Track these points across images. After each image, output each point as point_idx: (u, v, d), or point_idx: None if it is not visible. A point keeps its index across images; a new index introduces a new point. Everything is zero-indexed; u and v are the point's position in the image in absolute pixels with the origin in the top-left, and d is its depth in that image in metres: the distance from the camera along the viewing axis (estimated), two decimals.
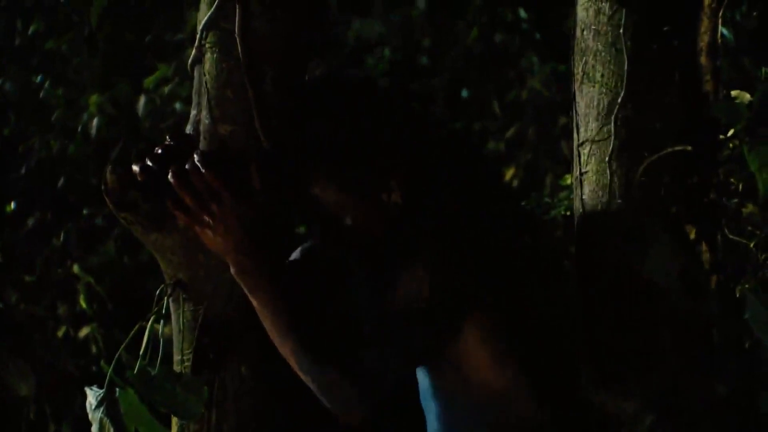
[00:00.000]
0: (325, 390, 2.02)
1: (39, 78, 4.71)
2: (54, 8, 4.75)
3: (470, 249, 2.01)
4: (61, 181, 4.06)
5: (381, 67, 5.34)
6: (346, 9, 4.61)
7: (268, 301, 2.04)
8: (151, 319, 2.11)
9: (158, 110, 4.02)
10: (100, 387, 2.08)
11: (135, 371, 2.06)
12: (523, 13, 5.08)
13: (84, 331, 3.91)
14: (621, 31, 2.13)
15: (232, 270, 2.04)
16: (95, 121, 3.97)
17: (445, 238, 2.00)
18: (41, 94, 4.41)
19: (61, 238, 4.05)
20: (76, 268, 4.01)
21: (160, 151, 2.08)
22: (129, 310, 3.72)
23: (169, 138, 2.08)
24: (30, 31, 4.70)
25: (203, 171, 2.02)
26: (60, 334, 3.95)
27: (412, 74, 5.28)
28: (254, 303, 2.05)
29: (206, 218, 2.03)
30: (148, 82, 4.01)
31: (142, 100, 3.96)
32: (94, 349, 3.82)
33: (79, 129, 4.01)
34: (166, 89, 4.05)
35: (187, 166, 2.02)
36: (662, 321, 2.13)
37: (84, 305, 3.91)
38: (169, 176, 2.02)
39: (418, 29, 5.46)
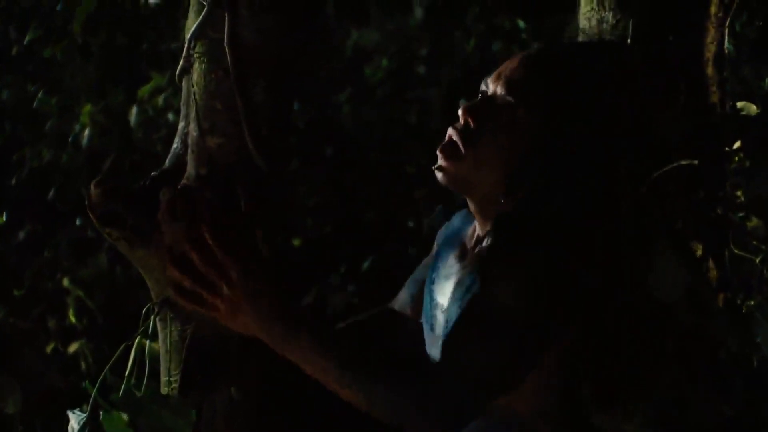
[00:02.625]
0: (413, 415, 1.69)
1: (33, 87, 4.62)
2: (50, 15, 4.67)
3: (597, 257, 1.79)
4: (52, 192, 3.97)
5: (379, 76, 5.27)
6: (344, 19, 4.47)
7: (311, 347, 1.72)
8: (137, 338, 2.00)
9: (151, 121, 3.93)
10: (87, 406, 1.97)
11: (120, 393, 1.95)
12: (521, 23, 5.00)
13: (73, 347, 3.81)
14: (628, 41, 2.03)
15: (265, 340, 1.76)
16: (87, 131, 3.88)
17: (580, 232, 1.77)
18: (35, 103, 4.32)
19: (52, 251, 3.97)
20: (66, 281, 3.92)
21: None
22: (120, 325, 3.63)
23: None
24: (26, 39, 4.61)
25: (210, 243, 1.73)
26: (49, 349, 3.85)
27: (409, 83, 5.16)
28: (295, 357, 1.74)
29: (216, 301, 1.76)
30: (142, 92, 3.92)
31: (134, 110, 3.87)
32: (83, 365, 3.73)
33: (70, 139, 3.92)
34: (160, 99, 3.96)
35: (189, 240, 1.75)
36: (667, 339, 2.04)
37: (73, 319, 3.81)
38: (168, 262, 1.77)
39: (415, 38, 5.38)
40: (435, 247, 2.15)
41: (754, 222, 2.30)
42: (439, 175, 1.93)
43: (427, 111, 5.18)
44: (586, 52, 1.96)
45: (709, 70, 2.13)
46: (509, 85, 1.90)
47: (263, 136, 1.99)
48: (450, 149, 1.91)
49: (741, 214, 2.29)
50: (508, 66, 1.93)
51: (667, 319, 2.01)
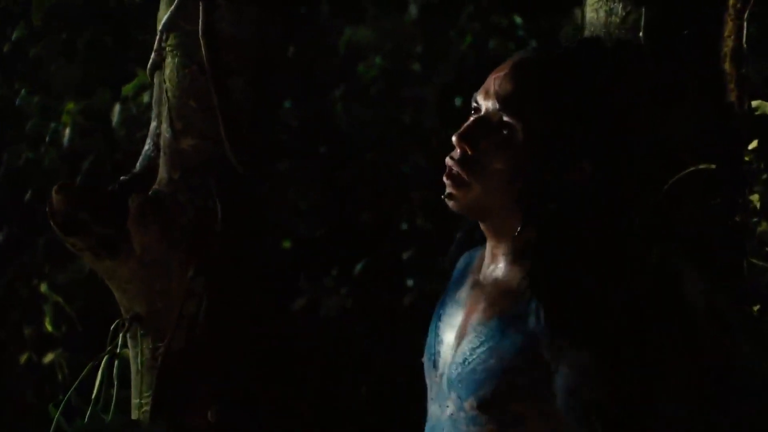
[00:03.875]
0: None
1: (20, 86, 4.48)
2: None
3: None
4: (29, 194, 3.80)
5: (373, 74, 5.14)
6: (339, 16, 4.52)
7: None
8: (105, 357, 1.82)
9: (135, 119, 3.76)
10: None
11: (86, 418, 1.78)
12: (518, 20, 4.88)
13: (49, 357, 3.64)
14: (640, 34, 1.85)
15: None
16: (67, 131, 3.72)
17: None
18: (17, 102, 4.17)
19: (29, 254, 3.80)
20: (43, 287, 3.74)
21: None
22: (101, 334, 3.46)
23: None
24: (13, 37, 4.45)
25: None
26: (23, 360, 3.68)
27: (404, 82, 5.04)
28: None
29: None
30: (126, 89, 3.75)
31: (117, 108, 3.70)
32: (59, 377, 3.55)
33: (47, 138, 3.76)
34: (145, 97, 3.80)
35: None
36: (683, 355, 1.81)
37: (50, 328, 3.64)
38: None
39: (410, 36, 5.27)
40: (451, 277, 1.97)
41: (763, 226, 2.22)
42: (450, 203, 1.76)
43: (422, 110, 4.97)
44: (585, 54, 1.77)
45: (727, 66, 1.95)
46: (503, 102, 1.72)
47: (242, 136, 1.82)
48: (455, 177, 1.74)
49: (754, 219, 2.17)
50: (497, 79, 1.73)
51: (682, 334, 1.80)
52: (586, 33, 2.01)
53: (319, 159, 4.66)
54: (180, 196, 1.85)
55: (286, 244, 4.31)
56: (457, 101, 4.67)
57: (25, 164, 3.87)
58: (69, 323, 3.61)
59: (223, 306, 1.90)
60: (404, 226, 4.43)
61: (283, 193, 4.38)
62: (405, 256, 4.11)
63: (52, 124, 3.73)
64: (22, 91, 4.14)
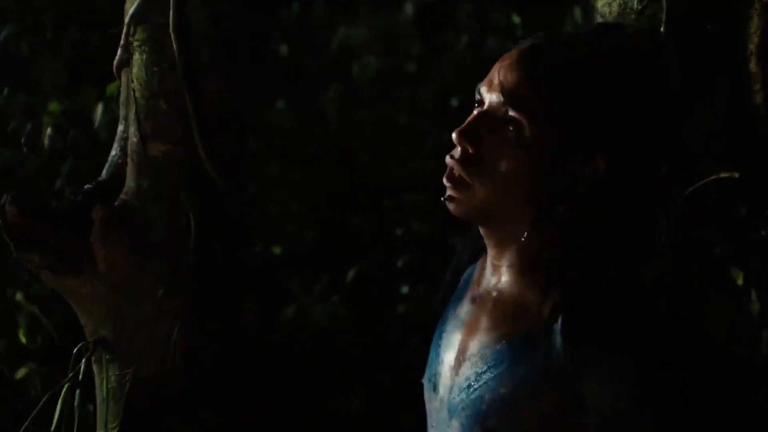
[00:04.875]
0: None
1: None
2: (23, 12, 4.35)
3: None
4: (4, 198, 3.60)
5: (367, 73, 5.02)
6: (333, 14, 4.55)
7: None
8: (66, 385, 1.62)
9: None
10: None
11: None
12: (516, 19, 4.75)
13: (21, 372, 3.44)
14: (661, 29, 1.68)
15: None
16: (48, 131, 3.52)
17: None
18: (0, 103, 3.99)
19: (3, 262, 3.60)
20: (19, 296, 3.55)
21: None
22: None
23: None
24: (2, 36, 4.28)
25: None
26: None
27: (400, 81, 4.95)
28: None
29: None
30: (111, 88, 3.55)
31: (99, 108, 3.50)
32: (32, 393, 3.35)
33: (23, 140, 3.57)
34: None
35: None
36: (706, 379, 1.70)
37: (24, 340, 3.44)
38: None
39: (406, 35, 5.16)
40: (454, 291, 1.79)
41: None
42: (450, 206, 1.61)
43: (417, 111, 4.85)
44: (601, 40, 1.59)
45: (752, 66, 1.78)
46: (508, 95, 1.55)
47: (218, 141, 1.62)
48: (457, 178, 1.58)
49: None
50: (502, 68, 1.56)
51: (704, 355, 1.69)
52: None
53: (311, 161, 4.52)
54: (149, 207, 1.69)
55: (276, 250, 4.14)
56: (454, 102, 4.59)
57: (4, 166, 3.68)
58: (45, 336, 3.42)
59: (199, 328, 1.71)
60: (399, 232, 4.26)
61: (273, 196, 4.24)
62: (399, 263, 3.93)
63: (29, 125, 3.54)
64: (5, 90, 3.98)
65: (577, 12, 4.21)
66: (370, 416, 3.75)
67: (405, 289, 3.99)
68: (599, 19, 1.85)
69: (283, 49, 4.70)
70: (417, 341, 3.72)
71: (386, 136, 4.72)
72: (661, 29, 1.71)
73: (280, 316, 3.97)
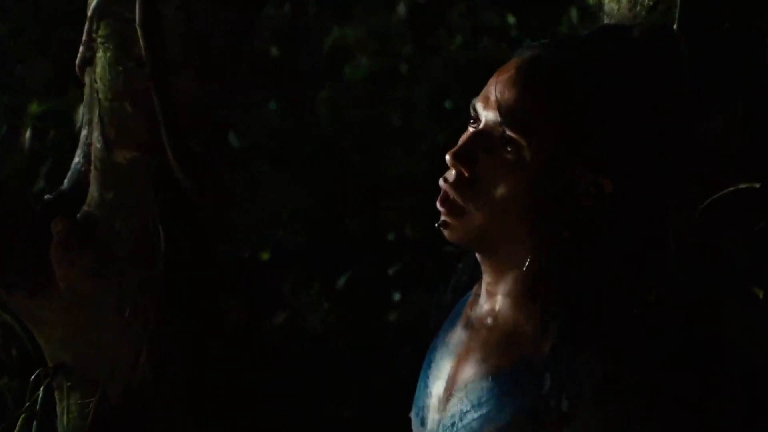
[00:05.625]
0: None
1: None
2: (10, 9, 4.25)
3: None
4: None
5: (360, 74, 4.93)
6: (326, 14, 4.44)
7: None
8: (23, 415, 1.47)
9: None
10: None
11: None
12: (511, 19, 4.68)
13: None
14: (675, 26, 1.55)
15: None
16: (28, 133, 3.40)
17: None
18: None
19: None
20: None
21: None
22: None
23: None
24: None
25: None
26: None
27: (393, 82, 4.82)
28: None
29: None
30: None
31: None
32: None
33: None
34: None
35: None
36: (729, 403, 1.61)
37: None
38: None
39: (398, 35, 5.11)
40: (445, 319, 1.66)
41: None
42: (445, 232, 1.49)
43: (411, 112, 4.73)
44: (606, 49, 1.44)
45: None
46: (506, 113, 1.41)
47: (190, 144, 1.46)
48: (451, 203, 1.45)
49: None
50: (499, 84, 1.42)
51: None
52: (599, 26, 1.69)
53: (301, 163, 4.38)
54: (114, 219, 1.53)
55: (265, 256, 4.03)
56: (448, 104, 4.49)
57: None
58: (20, 347, 3.27)
59: (170, 345, 1.55)
60: (391, 236, 4.14)
61: (262, 199, 4.14)
62: (391, 271, 3.84)
63: (4, 127, 3.40)
64: None
65: (574, 12, 4.19)
66: (360, 426, 3.65)
67: (397, 296, 3.90)
68: (606, 19, 1.71)
69: (274, 49, 4.65)
70: (410, 349, 3.65)
71: (379, 136, 4.60)
72: (674, 27, 1.58)
73: (271, 320, 3.91)
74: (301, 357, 3.80)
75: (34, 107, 3.55)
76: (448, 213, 1.45)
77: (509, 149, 1.41)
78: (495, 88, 1.41)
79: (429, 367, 1.55)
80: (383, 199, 4.42)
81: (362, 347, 3.89)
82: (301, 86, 4.62)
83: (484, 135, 1.43)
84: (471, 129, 1.45)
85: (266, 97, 4.46)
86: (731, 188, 1.62)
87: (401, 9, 4.83)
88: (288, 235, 4.25)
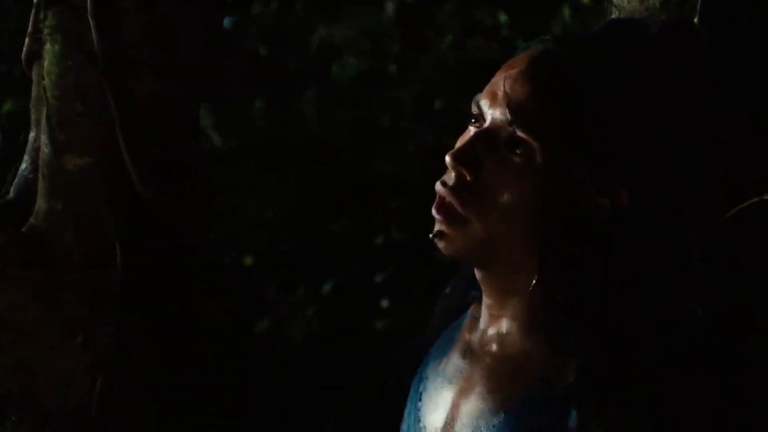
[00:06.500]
0: None
1: None
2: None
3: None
4: None
5: (348, 74, 4.84)
6: (314, 13, 4.32)
7: None
8: None
9: None
10: None
11: None
12: (503, 17, 4.61)
13: None
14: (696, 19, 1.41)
15: None
16: None
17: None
18: None
19: None
20: None
21: None
22: None
23: None
24: None
25: None
26: None
27: (381, 83, 4.71)
28: None
29: None
30: None
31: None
32: None
33: None
34: None
35: None
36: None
37: None
38: None
39: (387, 35, 5.06)
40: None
41: None
42: (441, 244, 1.33)
43: (399, 112, 4.63)
44: (629, 40, 1.30)
45: None
46: (516, 111, 1.27)
47: (151, 152, 1.29)
48: (449, 211, 1.30)
49: None
50: (509, 79, 1.26)
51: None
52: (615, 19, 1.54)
53: (289, 164, 4.27)
54: (64, 232, 1.37)
55: (248, 261, 3.92)
56: (437, 104, 4.33)
57: None
58: None
59: (130, 378, 1.38)
60: (379, 240, 4.05)
61: (247, 201, 4.05)
62: (379, 278, 3.75)
63: None
64: None
65: (566, 11, 4.15)
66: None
67: (384, 303, 3.81)
68: (614, 12, 1.56)
69: (261, 48, 4.61)
70: (399, 359, 3.58)
71: (367, 137, 4.50)
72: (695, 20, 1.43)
73: (254, 326, 3.82)
74: (284, 365, 3.71)
75: (8, 105, 3.44)
76: (446, 221, 1.31)
77: (518, 151, 1.25)
78: (504, 84, 1.26)
79: (419, 398, 1.40)
80: (371, 202, 4.36)
81: (348, 356, 3.85)
82: (288, 86, 4.62)
83: (489, 135, 1.27)
84: (472, 129, 1.31)
85: (252, 96, 4.40)
86: (755, 200, 1.49)
87: (390, 7, 4.74)
88: (273, 239, 4.21)
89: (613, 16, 1.59)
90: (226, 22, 4.65)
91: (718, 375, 1.29)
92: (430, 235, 1.28)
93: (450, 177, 1.24)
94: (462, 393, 1.32)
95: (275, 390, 3.51)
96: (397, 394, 1.54)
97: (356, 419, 3.54)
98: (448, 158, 1.23)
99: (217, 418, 1.73)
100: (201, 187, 1.56)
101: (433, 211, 1.27)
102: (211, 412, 1.72)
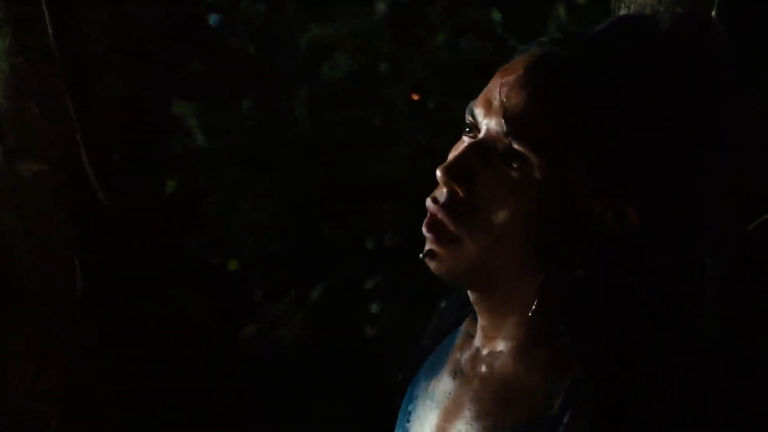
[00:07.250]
0: None
1: None
2: None
3: None
4: None
5: (338, 73, 4.82)
6: (304, 11, 4.30)
7: None
8: None
9: None
10: None
11: None
12: (496, 16, 4.59)
13: None
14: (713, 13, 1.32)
15: None
16: None
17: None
18: None
19: None
20: None
21: None
22: None
23: None
24: None
25: None
26: None
27: (372, 82, 4.72)
28: None
29: None
30: None
31: None
32: None
33: None
34: None
35: None
36: None
37: None
38: None
39: (378, 34, 5.06)
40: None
41: None
42: (431, 264, 1.26)
43: (391, 112, 4.62)
44: (636, 41, 1.21)
45: None
46: (513, 122, 1.20)
47: (114, 158, 1.17)
48: (440, 229, 1.22)
49: None
50: (505, 86, 1.18)
51: None
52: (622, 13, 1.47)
53: (278, 165, 4.26)
54: (15, 248, 1.23)
55: (233, 266, 3.91)
56: (430, 104, 4.31)
57: None
58: None
59: (91, 411, 1.26)
60: (370, 245, 4.05)
61: (234, 204, 4.05)
62: (369, 285, 3.74)
63: None
64: None
65: (561, 9, 4.13)
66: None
67: (374, 308, 3.79)
68: (624, 9, 1.46)
69: (249, 46, 4.60)
70: (389, 366, 3.55)
71: (358, 137, 4.49)
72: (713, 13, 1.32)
73: (241, 331, 3.79)
74: (272, 369, 3.70)
75: None
76: (437, 241, 1.22)
77: (515, 165, 1.15)
78: (500, 92, 1.15)
79: (408, 419, 1.34)
80: (362, 204, 4.34)
81: (338, 361, 3.81)
82: (278, 85, 4.56)
83: (484, 147, 1.17)
84: (466, 139, 1.20)
85: (240, 96, 4.40)
86: None
87: (381, 6, 4.72)
88: (261, 242, 4.18)
89: (622, 12, 1.51)
90: (214, 20, 4.55)
91: (727, 381, 1.23)
92: (421, 255, 1.19)
93: (441, 193, 1.14)
94: (449, 417, 1.29)
95: (262, 393, 3.50)
96: (391, 396, 1.48)
97: (346, 423, 3.52)
98: (439, 173, 1.13)
99: (199, 422, 1.65)
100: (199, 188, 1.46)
101: (424, 230, 1.18)
102: (192, 416, 1.65)
